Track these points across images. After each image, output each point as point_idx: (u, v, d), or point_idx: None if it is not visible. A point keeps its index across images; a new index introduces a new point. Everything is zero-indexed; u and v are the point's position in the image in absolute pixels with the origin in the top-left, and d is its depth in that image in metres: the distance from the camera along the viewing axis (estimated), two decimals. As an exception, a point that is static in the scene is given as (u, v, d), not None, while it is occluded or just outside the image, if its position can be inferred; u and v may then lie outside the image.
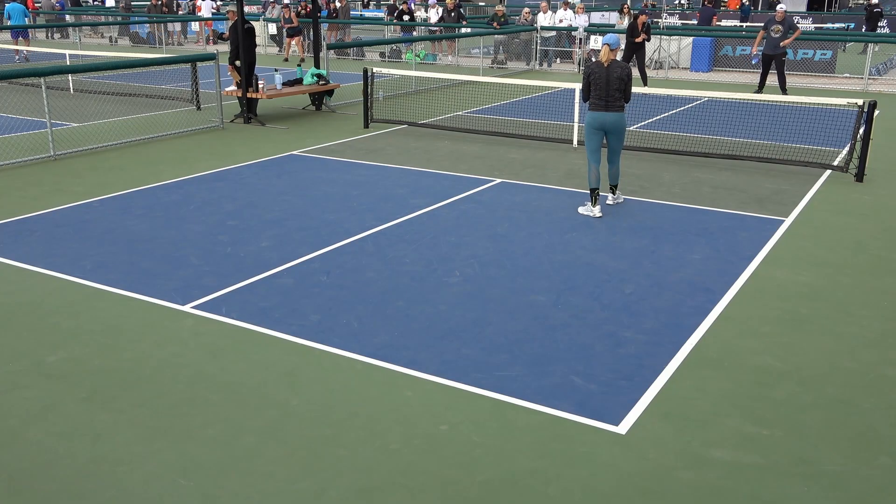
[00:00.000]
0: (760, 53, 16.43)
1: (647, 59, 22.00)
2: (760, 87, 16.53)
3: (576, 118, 11.70)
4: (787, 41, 15.79)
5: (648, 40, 18.21)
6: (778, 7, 16.30)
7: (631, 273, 6.61)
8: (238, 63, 13.17)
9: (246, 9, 18.16)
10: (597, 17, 26.48)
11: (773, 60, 16.06)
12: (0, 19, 25.38)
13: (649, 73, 21.29)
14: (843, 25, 30.48)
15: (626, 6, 18.79)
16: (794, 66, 21.25)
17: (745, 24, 28.81)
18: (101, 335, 5.41)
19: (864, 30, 28.47)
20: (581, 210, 8.34)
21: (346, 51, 25.08)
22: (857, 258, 7.11)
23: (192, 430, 4.29)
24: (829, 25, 31.22)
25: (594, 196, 8.19)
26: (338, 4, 26.09)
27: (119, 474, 3.90)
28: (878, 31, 28.76)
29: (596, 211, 8.17)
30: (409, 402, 4.60)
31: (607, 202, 8.59)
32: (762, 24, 16.48)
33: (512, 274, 6.54)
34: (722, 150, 11.16)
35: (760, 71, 16.63)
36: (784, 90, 16.16)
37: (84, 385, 4.75)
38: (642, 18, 17.83)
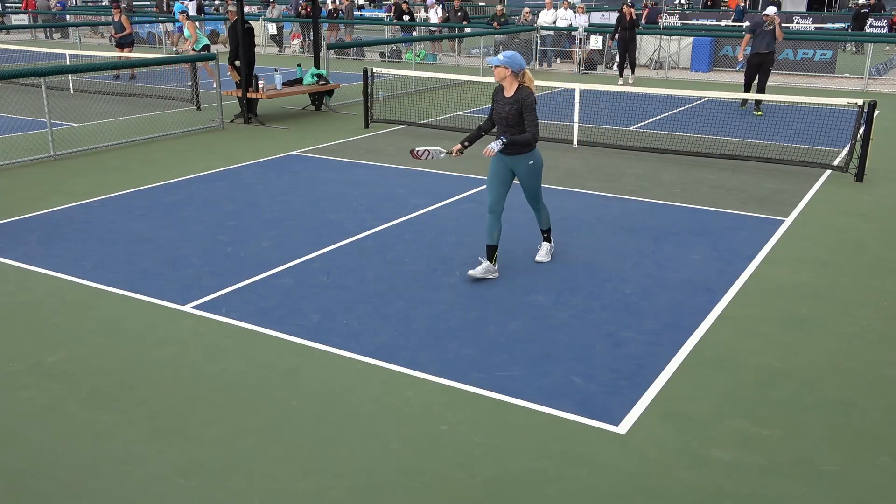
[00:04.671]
0: (746, 59, 14.91)
1: (647, 59, 22.09)
2: (748, 89, 14.75)
3: (576, 118, 11.70)
4: (779, 34, 14.11)
5: (638, 27, 18.88)
6: (769, 11, 14.28)
7: (631, 273, 6.60)
8: (238, 63, 13.17)
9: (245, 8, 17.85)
10: (597, 17, 26.49)
11: (763, 62, 14.19)
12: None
13: (648, 72, 21.39)
14: (843, 25, 30.47)
15: (624, 6, 18.89)
16: (794, 66, 21.26)
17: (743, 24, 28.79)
18: (101, 335, 5.41)
19: (849, 29, 28.45)
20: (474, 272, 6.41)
21: (346, 51, 25.08)
22: (857, 258, 7.11)
23: (193, 431, 4.28)
24: (829, 25, 31.23)
25: (490, 253, 6.41)
26: (337, 4, 26.08)
27: (119, 474, 3.90)
28: (867, 30, 28.75)
29: (478, 271, 6.33)
30: (409, 402, 4.59)
31: (536, 258, 6.87)
32: (749, 26, 14.80)
33: (512, 274, 6.54)
34: (722, 150, 11.16)
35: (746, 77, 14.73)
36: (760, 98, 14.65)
37: (84, 385, 4.75)
38: (629, 10, 18.38)
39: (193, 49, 16.66)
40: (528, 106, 6.14)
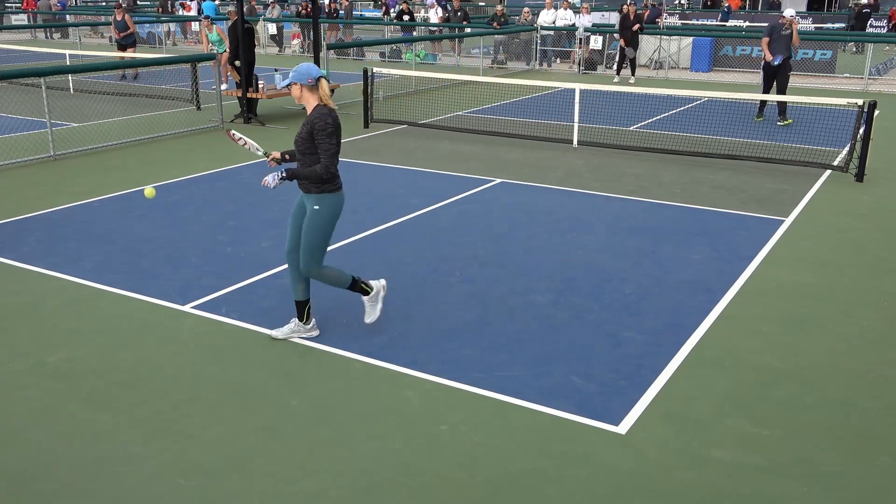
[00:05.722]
0: (780, 57, 13.12)
1: (647, 59, 22.09)
2: (762, 109, 13.95)
3: (576, 118, 11.70)
4: (795, 38, 13.09)
5: (643, 31, 19.22)
6: (786, 13, 13.22)
7: (631, 273, 6.60)
8: (238, 63, 13.18)
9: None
10: (597, 17, 26.47)
11: (781, 67, 13.13)
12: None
13: (648, 72, 21.39)
14: (843, 25, 30.49)
15: (625, 6, 18.96)
16: (795, 66, 21.14)
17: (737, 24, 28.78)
18: (101, 335, 5.41)
19: (851, 28, 28.46)
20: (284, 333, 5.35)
21: (346, 51, 25.09)
22: (857, 258, 7.11)
23: (193, 430, 4.28)
24: (829, 25, 31.23)
25: (300, 310, 5.32)
26: (336, 4, 26.08)
27: (119, 474, 3.90)
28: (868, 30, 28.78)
29: (283, 331, 5.31)
30: (409, 402, 4.59)
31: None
32: (766, 29, 13.59)
33: (512, 274, 6.54)
34: (722, 150, 11.16)
35: (763, 83, 13.63)
36: (784, 111, 13.44)
37: (84, 385, 4.75)
38: (632, 9, 18.59)
39: (218, 52, 16.53)
40: (319, 130, 4.85)
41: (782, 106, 13.42)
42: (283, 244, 7.17)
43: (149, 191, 5.13)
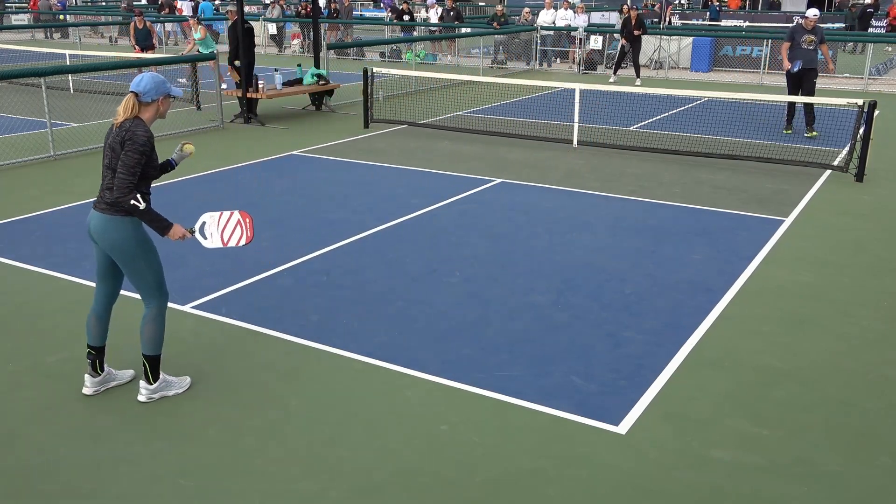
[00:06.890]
0: (799, 63, 12.12)
1: (647, 59, 22.10)
2: (790, 121, 12.94)
3: (576, 118, 11.70)
4: (827, 57, 12.37)
5: (645, 33, 19.27)
6: (809, 13, 12.13)
7: (631, 273, 6.60)
8: (238, 63, 13.18)
9: (245, 8, 17.32)
10: (597, 17, 26.48)
11: (803, 77, 12.23)
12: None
13: (649, 72, 21.40)
14: (843, 25, 30.50)
15: (625, 6, 19.04)
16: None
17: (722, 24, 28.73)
18: (101, 335, 5.39)
19: (853, 28, 28.48)
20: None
21: (346, 51, 25.09)
22: (857, 258, 7.11)
23: (192, 430, 4.28)
24: (829, 25, 31.22)
25: (92, 362, 4.60)
26: (336, 4, 26.09)
27: (119, 474, 3.90)
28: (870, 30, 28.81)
29: (88, 386, 4.58)
30: (409, 402, 4.59)
31: (139, 397, 4.57)
32: (787, 34, 12.65)
33: (512, 274, 6.54)
34: (722, 150, 11.16)
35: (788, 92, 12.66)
36: (811, 124, 12.48)
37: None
38: (634, 13, 18.67)
39: (199, 51, 16.49)
40: None
41: (810, 117, 12.47)
42: (282, 244, 7.19)
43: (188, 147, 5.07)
